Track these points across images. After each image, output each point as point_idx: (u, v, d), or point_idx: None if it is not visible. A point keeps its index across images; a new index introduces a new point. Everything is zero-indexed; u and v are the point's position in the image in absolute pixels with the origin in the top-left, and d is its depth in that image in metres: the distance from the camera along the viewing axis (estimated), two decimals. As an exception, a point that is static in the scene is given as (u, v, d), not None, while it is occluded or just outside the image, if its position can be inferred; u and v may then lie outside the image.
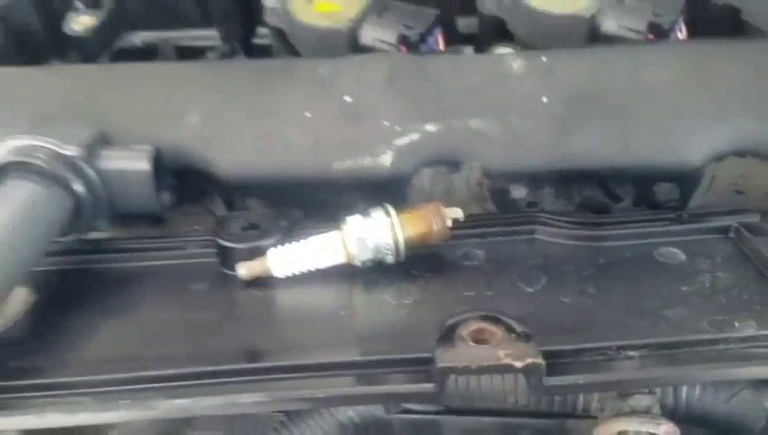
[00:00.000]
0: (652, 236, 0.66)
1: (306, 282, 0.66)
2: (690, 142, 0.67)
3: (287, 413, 0.66)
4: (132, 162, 0.68)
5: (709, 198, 0.69)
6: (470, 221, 0.68)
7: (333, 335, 0.60)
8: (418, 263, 0.66)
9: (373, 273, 0.66)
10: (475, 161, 0.69)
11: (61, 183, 0.66)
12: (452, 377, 0.51)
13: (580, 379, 0.51)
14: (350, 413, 0.64)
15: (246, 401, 0.53)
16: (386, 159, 0.70)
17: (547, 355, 0.51)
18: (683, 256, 0.64)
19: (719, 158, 0.67)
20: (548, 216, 0.69)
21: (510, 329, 0.54)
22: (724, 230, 0.66)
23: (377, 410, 0.65)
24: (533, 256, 0.66)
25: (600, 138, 0.67)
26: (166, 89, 0.76)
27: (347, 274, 0.66)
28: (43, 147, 0.67)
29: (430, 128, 0.70)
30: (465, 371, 0.51)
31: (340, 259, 0.65)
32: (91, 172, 0.67)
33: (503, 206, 0.72)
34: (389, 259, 0.65)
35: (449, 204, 0.67)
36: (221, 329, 0.63)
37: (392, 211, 0.64)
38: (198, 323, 0.64)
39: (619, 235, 0.67)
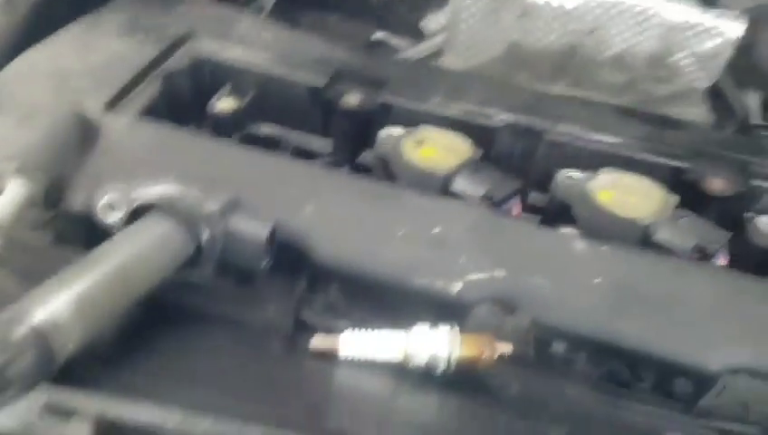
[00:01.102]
0: (663, 419, 0.77)
1: (362, 368, 0.77)
2: (711, 352, 0.78)
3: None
4: (254, 230, 0.81)
5: (718, 402, 0.79)
6: (513, 361, 0.80)
7: (379, 420, 0.70)
8: (461, 381, 0.77)
9: (421, 378, 0.76)
10: (528, 311, 0.82)
11: (192, 231, 0.79)
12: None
13: None
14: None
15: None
16: (455, 288, 0.82)
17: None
18: (682, 448, 0.74)
19: (734, 371, 0.78)
20: (578, 378, 0.80)
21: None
22: (725, 433, 0.76)
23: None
24: (559, 406, 0.76)
25: (637, 326, 0.80)
26: (292, 179, 0.92)
27: (398, 371, 0.77)
28: (187, 197, 0.81)
29: (498, 274, 0.83)
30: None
31: (397, 357, 0.76)
32: (219, 229, 0.80)
33: (540, 355, 0.83)
34: (439, 370, 0.76)
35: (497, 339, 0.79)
36: (282, 388, 0.73)
37: (456, 331, 0.76)
38: (262, 377, 0.75)
39: (636, 410, 0.77)
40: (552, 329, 0.81)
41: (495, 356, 0.76)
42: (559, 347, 0.82)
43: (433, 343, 0.75)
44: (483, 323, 0.82)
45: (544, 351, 0.83)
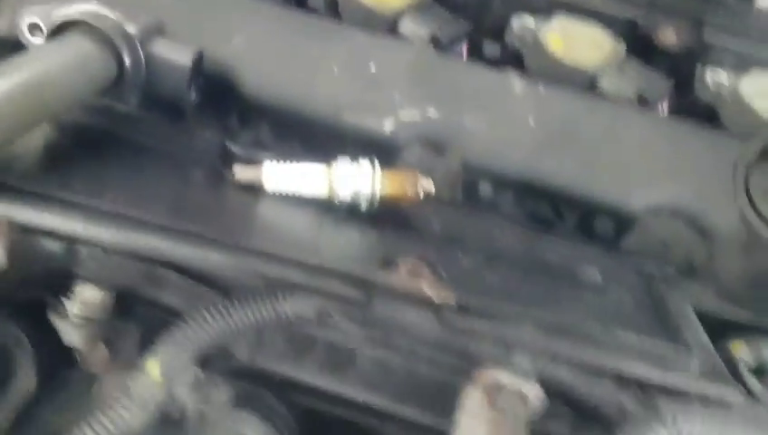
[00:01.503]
0: (582, 256, 0.78)
1: (287, 201, 0.77)
2: (635, 191, 0.78)
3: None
4: (177, 55, 0.78)
5: (639, 242, 0.81)
6: (439, 199, 0.80)
7: (296, 242, 0.71)
8: (385, 216, 0.77)
9: (345, 212, 0.76)
10: (458, 152, 0.81)
11: (113, 51, 0.76)
12: (381, 294, 0.62)
13: (480, 325, 0.62)
14: (286, 309, 0.73)
15: (212, 259, 0.64)
16: (387, 126, 0.81)
17: (460, 303, 0.63)
18: (599, 279, 0.76)
19: (656, 212, 0.79)
20: (505, 216, 0.80)
21: (438, 276, 0.65)
22: (641, 272, 0.78)
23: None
24: (479, 240, 0.77)
25: (565, 166, 0.79)
26: (223, 7, 0.88)
27: (323, 206, 0.77)
28: (108, 16, 0.77)
29: (431, 112, 0.82)
30: (394, 292, 0.62)
31: (322, 192, 0.76)
32: (141, 52, 0.78)
33: (468, 196, 0.83)
34: (363, 206, 0.76)
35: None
36: (204, 208, 0.74)
37: (377, 165, 0.75)
38: (187, 199, 0.75)
39: (555, 246, 0.79)
40: (481, 170, 0.81)
41: (420, 192, 0.76)
42: (486, 189, 0.83)
43: (357, 177, 0.75)
44: (412, 164, 0.82)
45: (472, 191, 0.83)
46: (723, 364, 0.66)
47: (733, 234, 0.76)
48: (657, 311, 0.72)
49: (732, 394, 0.63)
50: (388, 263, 0.65)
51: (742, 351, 0.72)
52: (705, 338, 0.69)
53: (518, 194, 0.82)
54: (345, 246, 0.73)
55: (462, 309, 0.63)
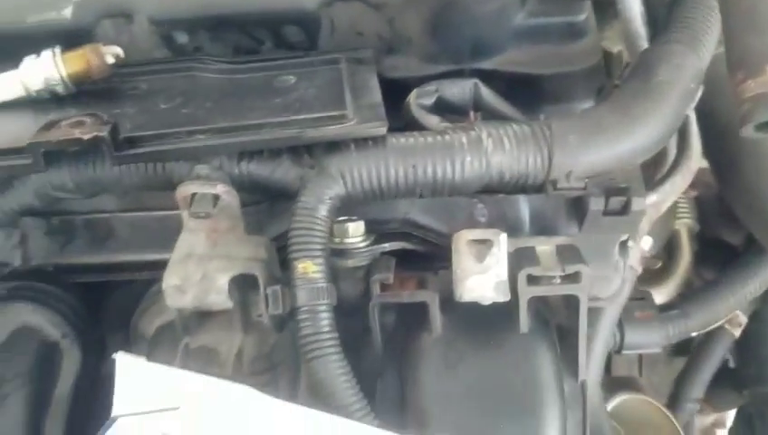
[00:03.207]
0: (276, 68, 0.83)
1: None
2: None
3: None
4: None
5: (337, 39, 0.85)
6: (138, 62, 0.85)
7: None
8: (90, 93, 0.81)
9: (54, 101, 0.81)
10: (142, 12, 0.84)
11: None
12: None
13: (148, 149, 0.69)
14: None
15: None
16: (67, 12, 0.84)
17: (128, 139, 0.69)
18: (293, 81, 0.81)
19: (328, 3, 0.83)
20: (203, 57, 0.85)
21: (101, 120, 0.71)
22: (333, 61, 0.83)
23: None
24: (183, 87, 0.82)
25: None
26: None
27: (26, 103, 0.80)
28: None
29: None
30: (48, 141, 0.68)
31: (19, 92, 0.80)
32: None
33: (172, 49, 0.87)
34: (60, 90, 0.80)
35: (132, 52, 0.84)
36: None
37: (57, 51, 0.79)
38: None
39: (251, 68, 0.83)
40: (167, 21, 0.85)
41: (107, 61, 0.80)
42: (182, 37, 0.87)
43: (40, 67, 0.79)
44: (115, 41, 0.85)
45: (171, 43, 0.87)
46: (383, 111, 0.72)
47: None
48: (336, 91, 0.77)
49: (377, 129, 0.70)
50: (50, 123, 0.70)
51: (419, 95, 0.79)
52: (377, 98, 0.75)
53: (213, 32, 0.86)
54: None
55: (131, 142, 0.69)
